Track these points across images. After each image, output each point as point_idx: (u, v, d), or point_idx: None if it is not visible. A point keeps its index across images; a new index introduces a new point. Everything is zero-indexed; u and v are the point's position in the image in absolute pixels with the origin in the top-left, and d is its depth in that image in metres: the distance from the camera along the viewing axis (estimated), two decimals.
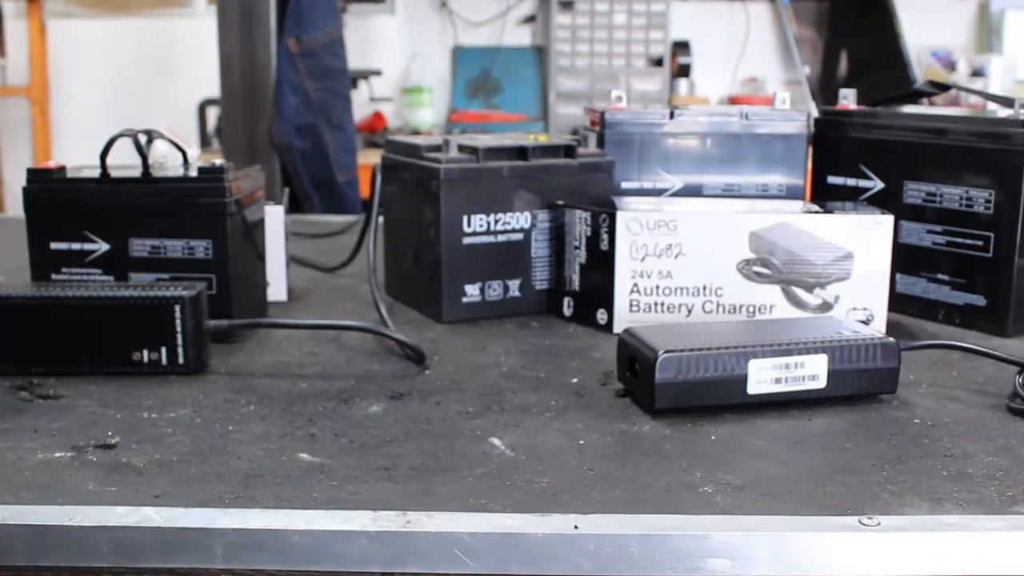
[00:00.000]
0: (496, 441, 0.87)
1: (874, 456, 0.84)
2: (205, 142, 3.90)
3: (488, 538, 0.70)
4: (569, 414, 0.94)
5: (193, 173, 1.15)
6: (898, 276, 1.27)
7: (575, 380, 1.04)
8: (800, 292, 1.17)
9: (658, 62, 4.20)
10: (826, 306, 1.17)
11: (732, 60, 4.31)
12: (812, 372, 0.95)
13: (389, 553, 0.70)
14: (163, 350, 1.04)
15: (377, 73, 3.98)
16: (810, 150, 1.41)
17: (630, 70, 4.19)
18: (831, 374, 0.95)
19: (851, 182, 1.34)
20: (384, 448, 0.85)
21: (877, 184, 1.31)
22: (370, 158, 3.24)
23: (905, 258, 1.26)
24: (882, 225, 1.16)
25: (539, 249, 1.27)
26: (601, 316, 1.20)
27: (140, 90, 4.27)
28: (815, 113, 1.42)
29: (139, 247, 1.14)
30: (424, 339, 1.14)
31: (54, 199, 1.14)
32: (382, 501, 0.75)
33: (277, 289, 1.34)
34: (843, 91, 1.41)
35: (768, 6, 4.33)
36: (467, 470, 0.81)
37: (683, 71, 4.24)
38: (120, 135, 1.12)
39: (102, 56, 4.33)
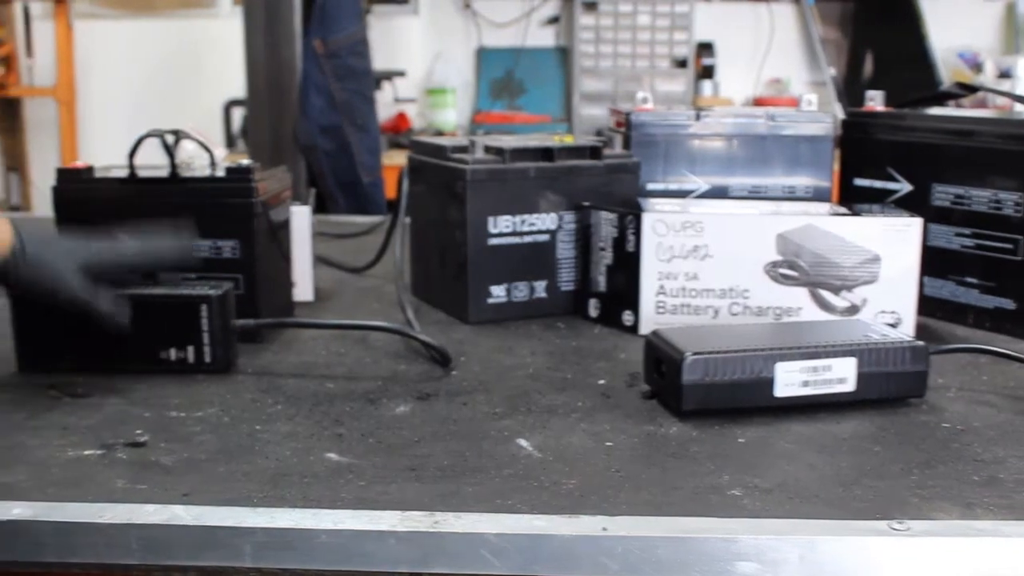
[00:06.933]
0: (523, 442, 0.87)
1: (903, 460, 0.84)
2: (230, 142, 3.91)
3: (515, 539, 0.70)
4: (596, 415, 0.94)
5: (220, 173, 1.15)
6: (926, 279, 1.26)
7: (602, 381, 1.03)
8: (827, 294, 1.16)
9: (682, 63, 4.18)
10: (853, 309, 1.16)
11: (756, 61, 4.29)
12: (840, 375, 0.94)
13: (417, 553, 0.70)
14: (190, 348, 1.05)
15: (401, 74, 3.98)
16: (837, 152, 1.40)
17: (654, 71, 4.18)
18: (859, 377, 0.95)
19: (878, 184, 1.34)
20: (411, 448, 0.86)
21: (904, 186, 1.30)
22: (394, 159, 3.24)
23: (933, 261, 1.25)
24: (910, 228, 1.15)
25: (565, 250, 1.27)
26: (627, 317, 1.20)
27: (165, 91, 4.28)
28: (840, 115, 1.41)
29: None
30: (450, 340, 1.14)
31: (83, 199, 1.15)
32: (410, 501, 0.75)
33: (303, 289, 1.34)
34: (870, 93, 1.40)
35: (793, 7, 4.31)
36: (494, 471, 0.81)
37: (707, 72, 4.22)
38: (148, 135, 1.12)
39: (127, 57, 4.35)
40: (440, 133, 3.95)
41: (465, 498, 0.76)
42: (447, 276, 1.28)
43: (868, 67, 4.28)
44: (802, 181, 1.39)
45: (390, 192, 2.73)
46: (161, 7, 4.37)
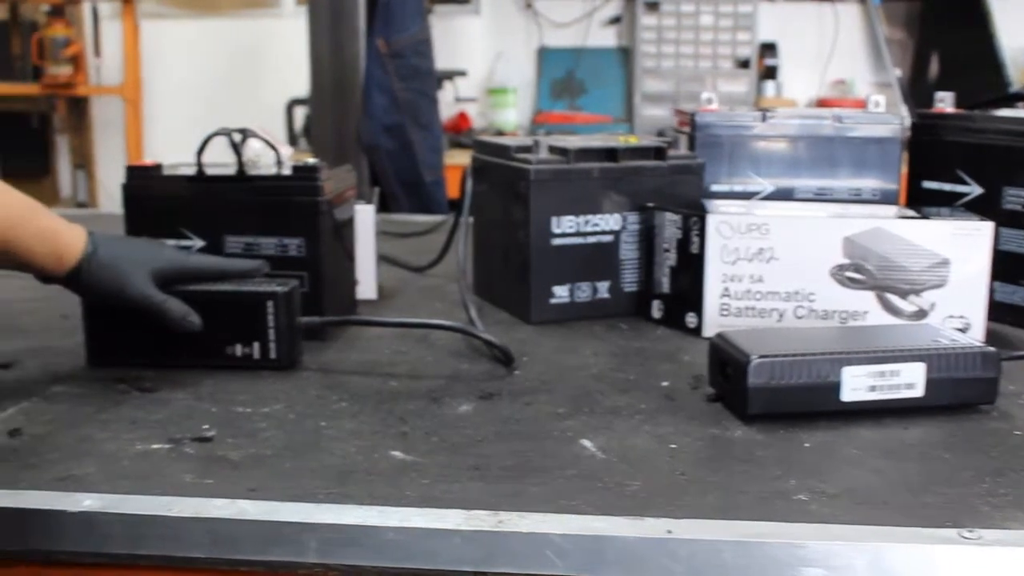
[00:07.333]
0: (586, 443, 0.87)
1: (973, 467, 0.82)
2: (292, 141, 3.95)
3: (580, 540, 0.70)
4: (660, 417, 0.93)
5: (287, 172, 1.16)
6: (996, 284, 1.24)
7: (665, 383, 1.03)
8: (894, 299, 1.15)
9: (744, 64, 4.15)
10: (921, 313, 1.14)
11: (820, 62, 4.24)
12: (908, 380, 0.93)
13: (481, 552, 0.70)
14: (256, 345, 1.06)
15: (462, 73, 3.99)
16: (905, 154, 1.39)
17: (716, 72, 4.15)
18: (928, 383, 0.93)
19: (947, 187, 1.32)
20: (475, 448, 0.86)
21: (975, 189, 1.28)
22: (455, 158, 3.25)
23: (1004, 265, 1.23)
24: (980, 231, 1.13)
25: (628, 251, 1.26)
26: (691, 319, 1.19)
27: (228, 89, 4.33)
28: (905, 116, 1.39)
29: (234, 244, 1.15)
30: (513, 339, 1.14)
31: (152, 196, 1.16)
32: (474, 500, 0.75)
33: (367, 287, 1.35)
34: (939, 94, 1.38)
35: (858, 7, 4.26)
36: (558, 471, 0.81)
37: (770, 73, 4.19)
38: (216, 133, 1.13)
39: (192, 56, 4.41)
40: (501, 133, 3.95)
41: (529, 498, 0.76)
42: (510, 276, 1.29)
43: (934, 68, 4.22)
44: (869, 183, 1.37)
45: (451, 191, 2.74)
46: (225, 7, 4.42)
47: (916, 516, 0.73)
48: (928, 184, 1.34)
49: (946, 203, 1.30)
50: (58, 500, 0.75)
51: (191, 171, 1.16)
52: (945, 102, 1.37)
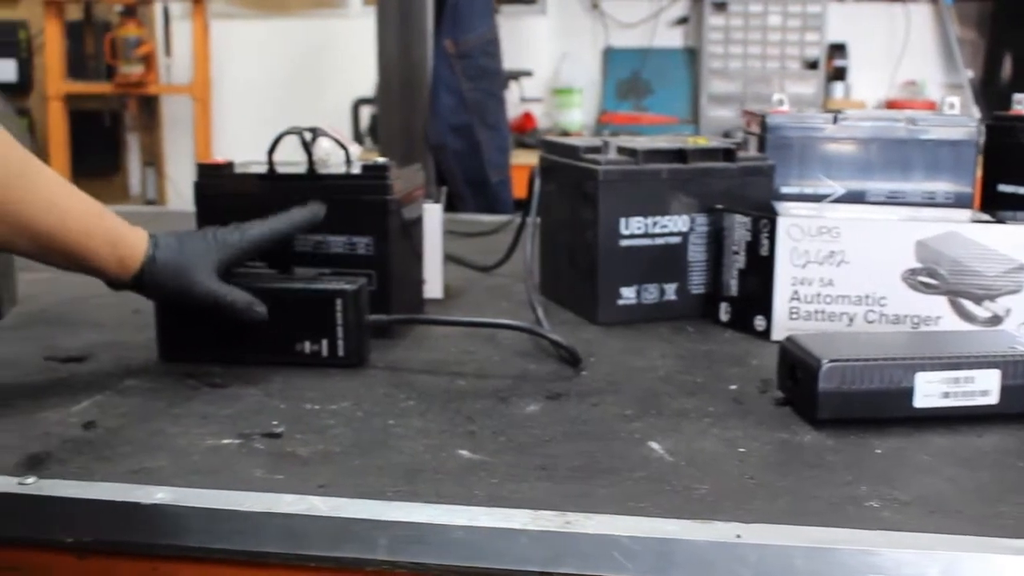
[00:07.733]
0: (654, 445, 0.86)
1: None
2: (358, 140, 3.98)
3: (648, 542, 0.70)
4: (728, 421, 0.93)
5: (356, 171, 1.17)
6: None
7: (733, 387, 1.02)
8: (968, 304, 1.13)
9: (813, 65, 4.11)
10: (996, 319, 1.12)
11: (890, 63, 4.19)
12: (983, 387, 0.91)
13: (548, 553, 0.70)
14: (324, 342, 1.07)
15: (528, 74, 3.99)
16: (980, 157, 1.36)
17: (784, 73, 4.12)
18: (1003, 390, 0.92)
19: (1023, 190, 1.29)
20: (542, 448, 0.86)
21: None
22: (519, 158, 3.25)
23: None
24: None
25: (696, 253, 1.26)
26: (759, 323, 1.18)
27: (295, 89, 4.38)
28: (977, 118, 1.37)
29: (303, 242, 1.16)
30: (579, 340, 1.14)
31: (223, 194, 1.18)
32: (541, 500, 0.75)
33: (433, 287, 1.35)
34: (1017, 96, 1.35)
35: (929, 7, 4.20)
36: (626, 472, 0.81)
37: (839, 74, 4.14)
38: (287, 132, 1.15)
39: (260, 55, 4.47)
40: (565, 133, 3.95)
41: (596, 499, 0.75)
42: (577, 276, 1.28)
43: (1007, 69, 4.15)
44: (942, 187, 1.35)
45: (517, 191, 2.74)
46: (294, 7, 4.47)
47: (990, 526, 0.72)
48: (1004, 187, 1.32)
49: (1022, 207, 1.28)
50: (131, 492, 0.76)
51: (262, 169, 1.17)
52: (1023, 104, 1.35)
